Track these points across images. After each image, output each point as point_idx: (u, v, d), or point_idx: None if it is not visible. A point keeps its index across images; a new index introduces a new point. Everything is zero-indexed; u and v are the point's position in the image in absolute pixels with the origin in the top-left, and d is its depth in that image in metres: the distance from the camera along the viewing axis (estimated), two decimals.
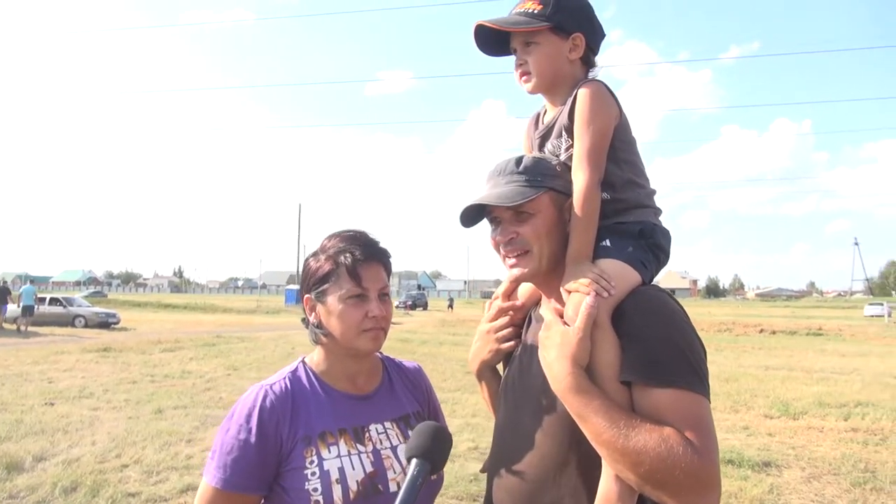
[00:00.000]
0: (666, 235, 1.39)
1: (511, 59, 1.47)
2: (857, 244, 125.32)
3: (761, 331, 25.60)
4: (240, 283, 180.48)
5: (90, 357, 13.22)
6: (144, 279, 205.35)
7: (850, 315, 50.20)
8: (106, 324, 23.97)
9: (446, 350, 15.94)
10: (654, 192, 1.42)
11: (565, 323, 1.22)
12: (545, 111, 1.49)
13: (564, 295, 1.27)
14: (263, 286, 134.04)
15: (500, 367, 1.59)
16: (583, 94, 1.32)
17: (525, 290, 1.52)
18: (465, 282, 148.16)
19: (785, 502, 5.04)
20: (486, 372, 1.56)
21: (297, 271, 68.23)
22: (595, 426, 1.10)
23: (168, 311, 40.80)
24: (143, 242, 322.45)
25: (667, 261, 1.40)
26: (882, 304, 49.88)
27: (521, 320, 1.52)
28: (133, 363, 12.43)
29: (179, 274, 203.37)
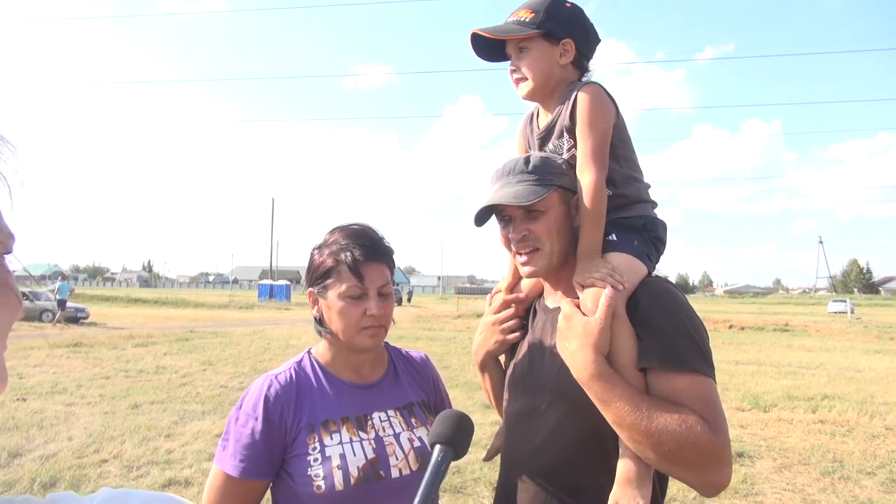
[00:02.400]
0: (664, 227, 1.47)
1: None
2: (821, 243, 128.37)
3: (730, 327, 26.05)
4: (211, 278, 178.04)
5: (60, 352, 12.95)
6: (113, 273, 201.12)
7: (815, 311, 51.47)
8: (75, 318, 23.44)
9: (423, 346, 15.93)
10: (649, 185, 1.50)
11: (584, 314, 1.27)
12: (538, 112, 1.56)
13: (578, 289, 1.33)
14: (235, 281, 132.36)
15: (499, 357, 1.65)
16: (582, 96, 1.39)
17: (527, 282, 1.58)
18: (439, 277, 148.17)
19: (758, 491, 5.19)
20: (490, 362, 1.62)
21: (270, 266, 67.43)
22: (618, 410, 1.16)
23: (138, 305, 40.03)
24: (111, 236, 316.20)
25: (664, 250, 1.48)
26: (845, 301, 51.29)
27: (525, 312, 1.58)
28: (105, 358, 12.21)
29: (149, 268, 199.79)
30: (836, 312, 47.92)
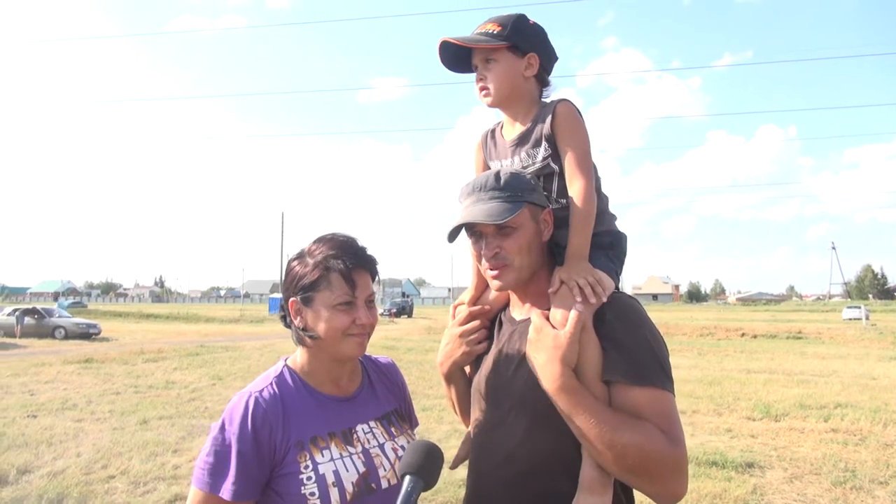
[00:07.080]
0: (626, 239, 1.54)
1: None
2: (834, 248, 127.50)
3: (743, 335, 25.84)
4: (222, 293, 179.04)
5: (72, 368, 13.06)
6: (125, 289, 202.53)
7: (829, 318, 50.90)
8: (87, 335, 23.64)
9: (432, 357, 15.93)
10: (608, 198, 1.57)
11: (553, 327, 1.31)
12: (501, 126, 1.62)
13: (555, 284, 1.38)
14: (246, 295, 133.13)
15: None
16: (565, 108, 1.47)
17: (493, 293, 1.61)
18: (450, 289, 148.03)
19: (768, 502, 5.13)
20: (456, 373, 1.65)
21: (281, 280, 67.82)
22: (584, 422, 1.21)
23: (150, 321, 40.33)
24: (124, 252, 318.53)
25: (624, 260, 1.54)
26: (860, 308, 50.60)
27: (490, 323, 1.62)
28: (116, 374, 12.31)
29: (161, 284, 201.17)
30: (850, 319, 47.37)
